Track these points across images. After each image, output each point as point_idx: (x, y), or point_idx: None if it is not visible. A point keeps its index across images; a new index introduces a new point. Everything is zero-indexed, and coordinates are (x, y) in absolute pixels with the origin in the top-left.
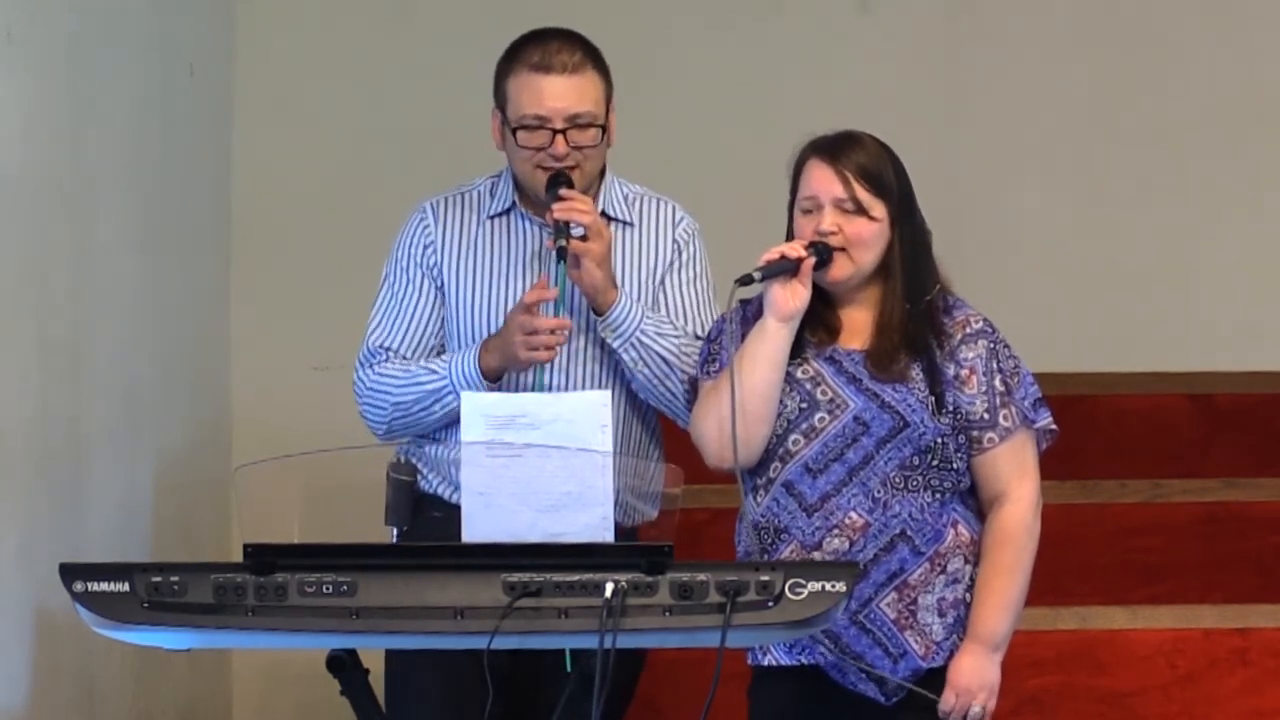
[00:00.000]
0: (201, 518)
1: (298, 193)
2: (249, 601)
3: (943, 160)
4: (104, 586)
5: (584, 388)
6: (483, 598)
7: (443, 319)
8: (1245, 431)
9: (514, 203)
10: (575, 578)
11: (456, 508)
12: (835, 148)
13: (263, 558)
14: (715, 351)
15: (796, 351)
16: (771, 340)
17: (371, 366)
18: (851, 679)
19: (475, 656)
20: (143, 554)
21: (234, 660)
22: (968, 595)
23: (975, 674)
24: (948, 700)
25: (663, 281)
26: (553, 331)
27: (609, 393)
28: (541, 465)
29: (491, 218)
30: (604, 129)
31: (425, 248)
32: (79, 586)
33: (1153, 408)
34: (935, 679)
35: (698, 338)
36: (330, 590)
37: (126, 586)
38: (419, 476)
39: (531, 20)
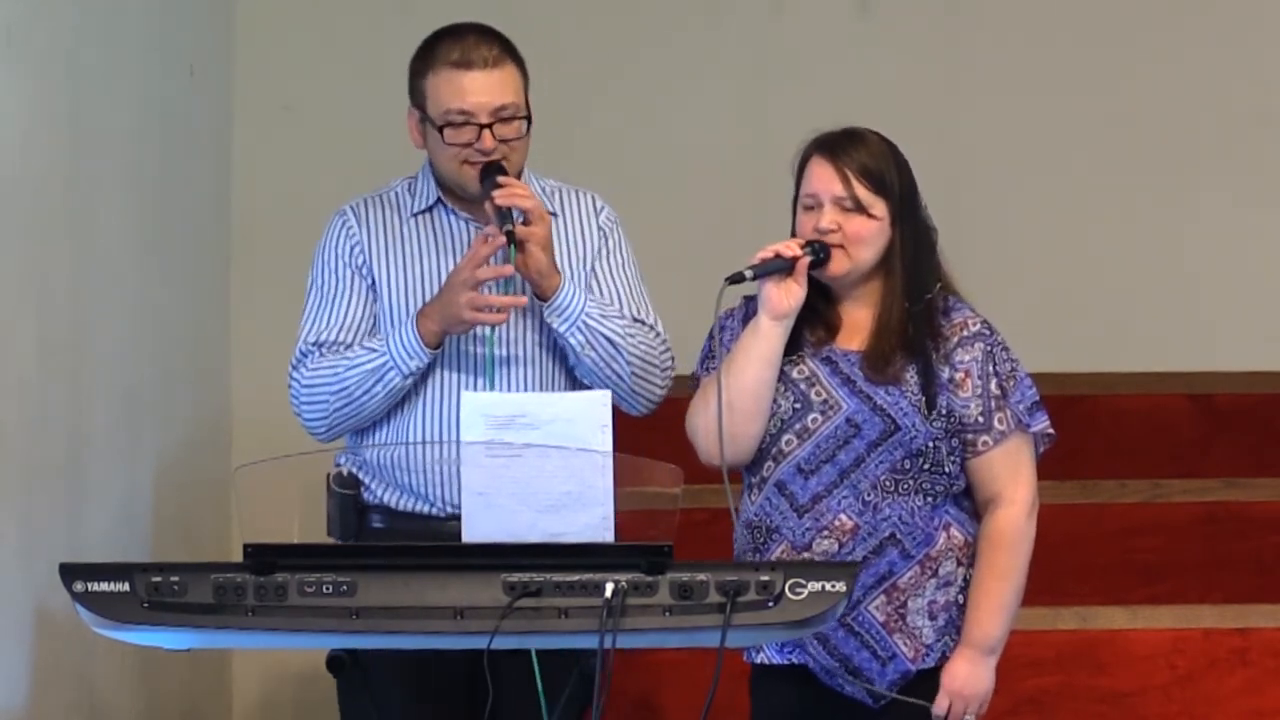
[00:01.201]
0: (201, 518)
1: (298, 193)
2: (249, 601)
3: (942, 160)
4: (104, 586)
5: (528, 376)
6: (483, 598)
7: (374, 316)
8: (1245, 431)
9: (438, 199)
10: (575, 578)
11: (402, 514)
12: (837, 145)
13: (263, 558)
14: (715, 349)
15: (794, 349)
16: (765, 339)
17: (305, 365)
18: (839, 681)
19: (439, 660)
20: (143, 554)
21: (234, 660)
22: (960, 598)
23: (969, 679)
24: (940, 704)
25: (593, 269)
26: (499, 310)
27: (608, 393)
28: (541, 465)
29: (416, 215)
30: (528, 120)
31: (352, 248)
32: (79, 586)
33: (1153, 408)
34: (926, 681)
35: (635, 320)
36: (330, 590)
37: (126, 586)
38: (362, 488)
39: (532, 20)
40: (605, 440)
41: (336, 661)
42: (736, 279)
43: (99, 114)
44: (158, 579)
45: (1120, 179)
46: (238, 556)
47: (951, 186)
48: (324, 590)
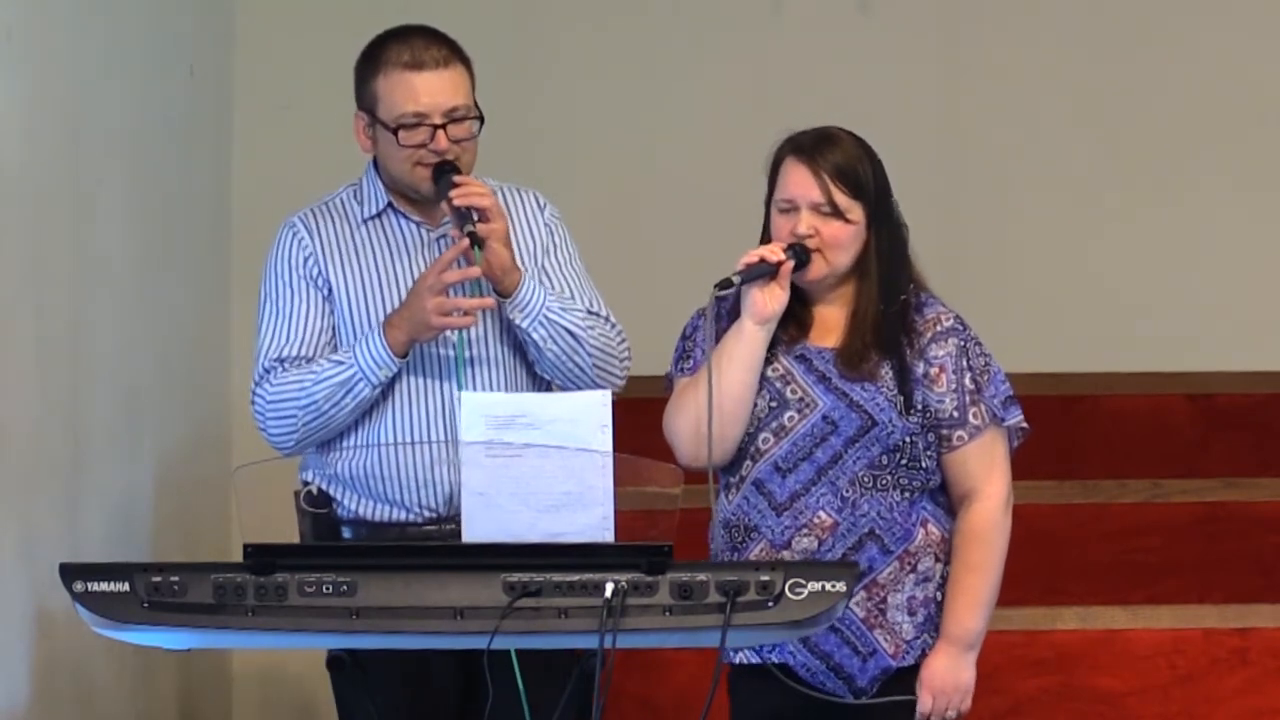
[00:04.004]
0: (201, 518)
1: (298, 193)
2: (249, 601)
3: (942, 160)
4: (104, 586)
5: (493, 377)
6: (483, 598)
7: (333, 327)
8: (1245, 431)
9: (388, 203)
10: (575, 578)
11: (379, 525)
12: (813, 148)
13: (263, 558)
14: (690, 349)
15: (768, 348)
16: (748, 343)
17: (269, 381)
18: (820, 678)
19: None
20: (143, 554)
21: (234, 660)
22: (938, 594)
23: (949, 674)
24: (924, 702)
25: (543, 266)
26: (467, 313)
27: (608, 392)
28: (541, 465)
29: (366, 221)
30: (480, 121)
31: (306, 259)
32: (79, 586)
33: (1152, 408)
34: (906, 678)
35: (590, 313)
36: (330, 590)
37: (126, 586)
38: (334, 504)
39: (532, 20)
40: (605, 440)
41: (336, 661)
42: (725, 285)
43: (99, 114)
44: (158, 579)
45: (1120, 178)
46: (238, 556)
47: (951, 186)
48: (324, 590)
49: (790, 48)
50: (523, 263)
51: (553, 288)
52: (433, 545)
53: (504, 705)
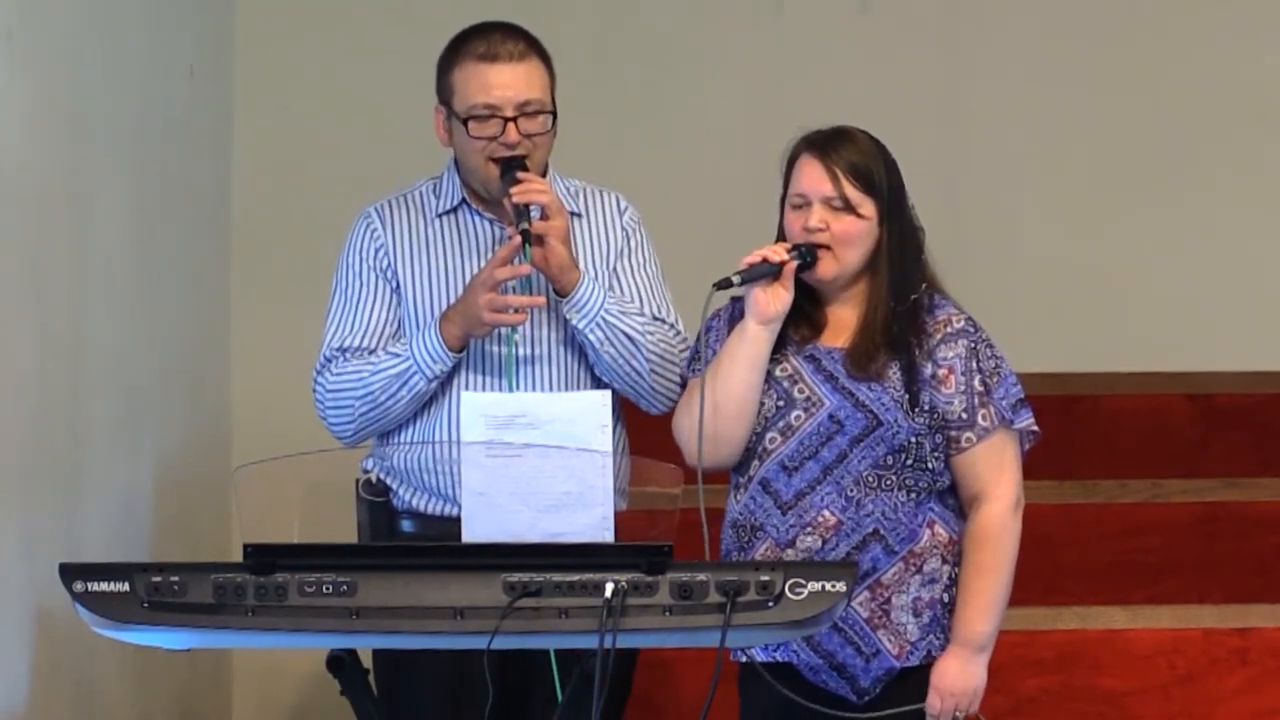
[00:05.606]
0: (201, 518)
1: (298, 193)
2: (249, 601)
3: (942, 160)
4: (104, 586)
5: (550, 374)
6: (483, 598)
7: (399, 320)
8: (1245, 431)
9: (463, 199)
10: (575, 578)
11: (433, 518)
12: (827, 144)
13: (263, 558)
14: (702, 351)
15: (778, 348)
16: (751, 343)
17: (330, 370)
18: (823, 677)
19: (469, 657)
20: (143, 554)
21: (234, 660)
22: (945, 596)
23: (959, 677)
24: (933, 705)
25: (615, 269)
26: (518, 310)
27: (609, 393)
28: (541, 465)
29: (440, 216)
30: (553, 116)
31: (376, 250)
32: (79, 586)
33: (1152, 408)
34: (911, 679)
35: (655, 319)
36: (330, 590)
37: (126, 586)
38: (391, 494)
39: (531, 21)
40: (605, 440)
41: (336, 661)
42: (724, 284)
43: (99, 114)
44: (158, 579)
45: (1121, 178)
46: (238, 556)
47: (951, 187)
48: (324, 590)
49: (791, 48)
50: (593, 266)
51: (622, 292)
52: (433, 545)
53: (521, 706)
